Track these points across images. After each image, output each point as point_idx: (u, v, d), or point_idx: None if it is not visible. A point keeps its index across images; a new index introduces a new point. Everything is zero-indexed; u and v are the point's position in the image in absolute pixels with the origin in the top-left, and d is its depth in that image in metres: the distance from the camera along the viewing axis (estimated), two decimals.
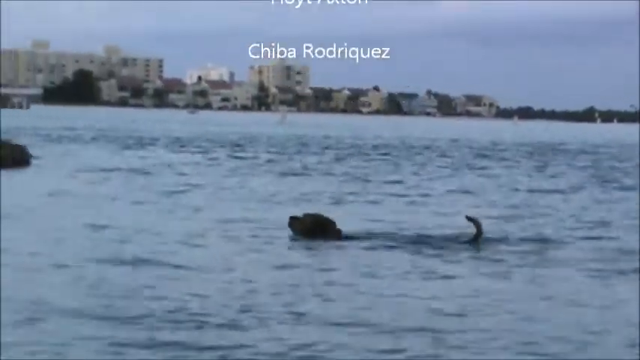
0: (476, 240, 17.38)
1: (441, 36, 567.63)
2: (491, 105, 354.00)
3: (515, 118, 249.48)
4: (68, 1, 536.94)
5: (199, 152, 51.05)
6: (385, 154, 55.18)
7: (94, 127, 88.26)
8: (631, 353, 10.02)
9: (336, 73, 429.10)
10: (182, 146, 57.68)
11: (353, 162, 45.94)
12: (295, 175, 36.07)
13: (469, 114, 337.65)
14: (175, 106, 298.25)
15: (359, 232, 18.23)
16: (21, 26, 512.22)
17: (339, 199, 26.31)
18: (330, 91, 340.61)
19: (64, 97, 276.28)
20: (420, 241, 17.48)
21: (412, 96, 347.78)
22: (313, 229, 17.78)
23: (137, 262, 14.80)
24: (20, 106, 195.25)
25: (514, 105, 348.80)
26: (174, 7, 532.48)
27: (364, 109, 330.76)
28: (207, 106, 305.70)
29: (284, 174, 36.16)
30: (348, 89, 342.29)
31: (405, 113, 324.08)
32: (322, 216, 18.31)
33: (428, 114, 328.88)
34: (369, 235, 18.07)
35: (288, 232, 18.00)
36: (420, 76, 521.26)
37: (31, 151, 38.18)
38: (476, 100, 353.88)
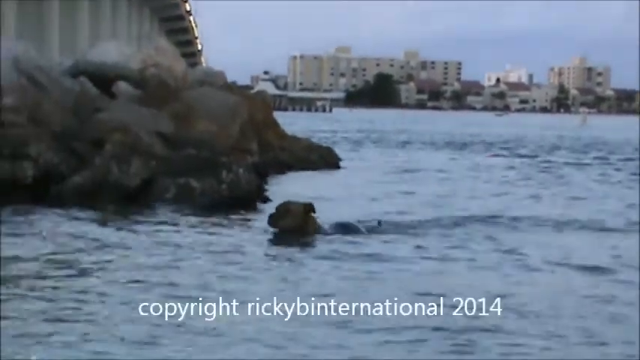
0: None
1: None
2: None
3: None
4: (370, 8, 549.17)
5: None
6: None
7: (424, 132, 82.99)
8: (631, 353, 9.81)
9: None
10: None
11: None
12: None
13: None
14: (472, 109, 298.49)
15: None
16: (325, 33, 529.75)
17: None
18: (633, 92, 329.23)
19: (364, 100, 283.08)
20: None
21: None
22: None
23: None
24: (324, 109, 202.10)
25: None
26: (473, 9, 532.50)
27: None
28: (506, 108, 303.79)
29: None
30: None
31: None
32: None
33: None
34: None
35: None
36: None
37: (340, 153, 38.86)
38: None
